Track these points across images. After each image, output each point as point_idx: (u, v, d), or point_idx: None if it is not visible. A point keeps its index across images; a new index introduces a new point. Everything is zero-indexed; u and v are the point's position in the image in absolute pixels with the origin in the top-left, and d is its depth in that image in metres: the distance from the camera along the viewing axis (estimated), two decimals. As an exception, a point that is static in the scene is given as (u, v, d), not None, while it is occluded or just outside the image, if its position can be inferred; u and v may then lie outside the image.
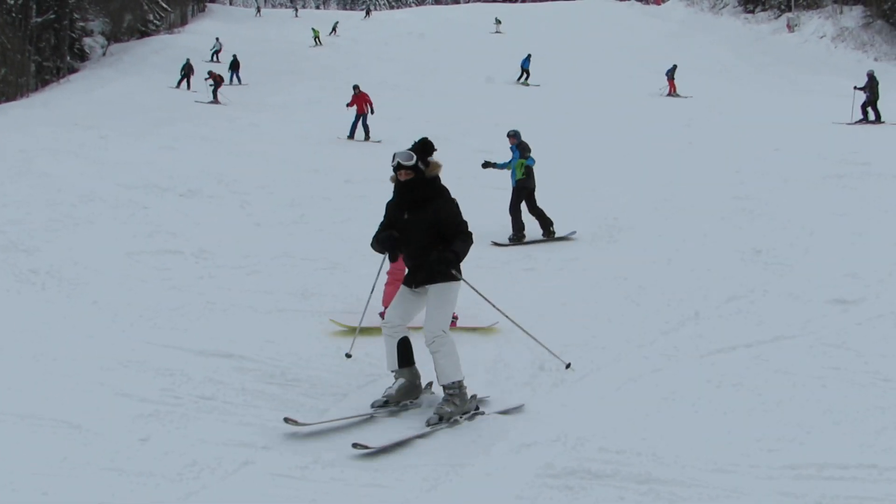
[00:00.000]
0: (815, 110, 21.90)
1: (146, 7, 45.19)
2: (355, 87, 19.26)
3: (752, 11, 46.93)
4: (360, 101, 18.81)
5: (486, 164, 10.69)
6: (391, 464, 4.11)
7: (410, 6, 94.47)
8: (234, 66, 30.04)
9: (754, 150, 15.43)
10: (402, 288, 4.91)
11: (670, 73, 29.12)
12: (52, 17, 36.02)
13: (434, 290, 4.76)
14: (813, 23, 41.43)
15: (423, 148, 4.82)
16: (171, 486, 3.76)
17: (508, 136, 10.52)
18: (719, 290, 7.55)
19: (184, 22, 51.90)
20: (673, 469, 4.03)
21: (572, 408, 4.97)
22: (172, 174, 13.05)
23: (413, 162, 4.71)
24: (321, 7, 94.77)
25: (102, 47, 39.40)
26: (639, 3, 57.05)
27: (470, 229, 4.78)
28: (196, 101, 24.62)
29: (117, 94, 25.34)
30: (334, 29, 45.56)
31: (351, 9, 72.97)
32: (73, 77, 33.41)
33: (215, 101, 24.74)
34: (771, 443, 4.36)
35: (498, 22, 47.76)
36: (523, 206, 10.10)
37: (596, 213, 11.04)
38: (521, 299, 7.14)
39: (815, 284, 7.51)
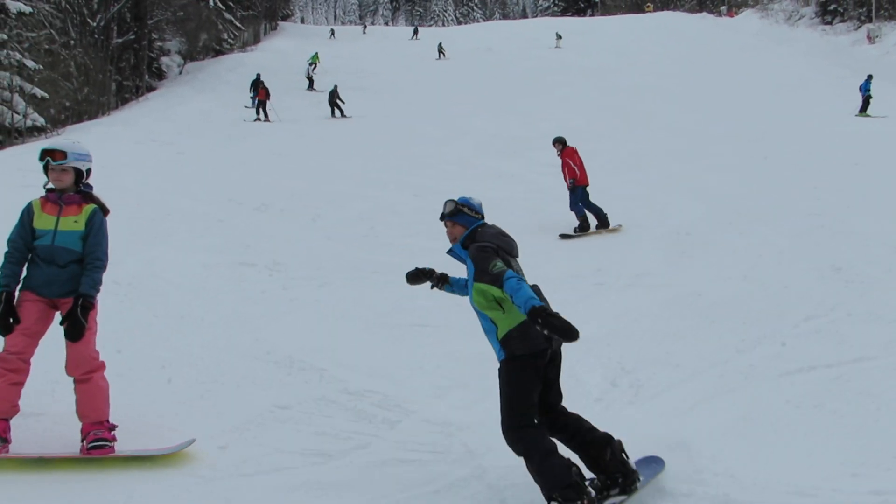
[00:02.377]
0: (897, 123, 21.23)
1: (221, 27, 46.48)
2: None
3: (830, 23, 45.72)
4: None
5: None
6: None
7: (478, 21, 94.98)
8: (256, 87, 27.05)
9: (833, 164, 15.02)
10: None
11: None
12: (132, 37, 37.39)
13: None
14: (895, 34, 40.17)
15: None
16: (248, 493, 3.84)
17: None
18: (797, 308, 7.35)
19: (257, 40, 53.18)
20: (751, 491, 3.94)
21: (646, 425, 4.89)
22: (245, 189, 13.38)
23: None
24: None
25: (179, 66, 40.67)
26: (711, 16, 56.23)
27: None
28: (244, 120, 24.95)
29: (193, 112, 26.13)
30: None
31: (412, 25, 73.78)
32: (151, 95, 34.58)
33: (260, 118, 25.04)
34: (854, 467, 4.21)
35: (558, 37, 47.60)
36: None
37: (668, 227, 10.90)
38: (591, 314, 7.09)
39: (898, 303, 7.26)
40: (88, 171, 4.51)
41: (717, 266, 9.01)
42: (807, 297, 7.67)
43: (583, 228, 11.27)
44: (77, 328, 4.23)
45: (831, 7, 46.22)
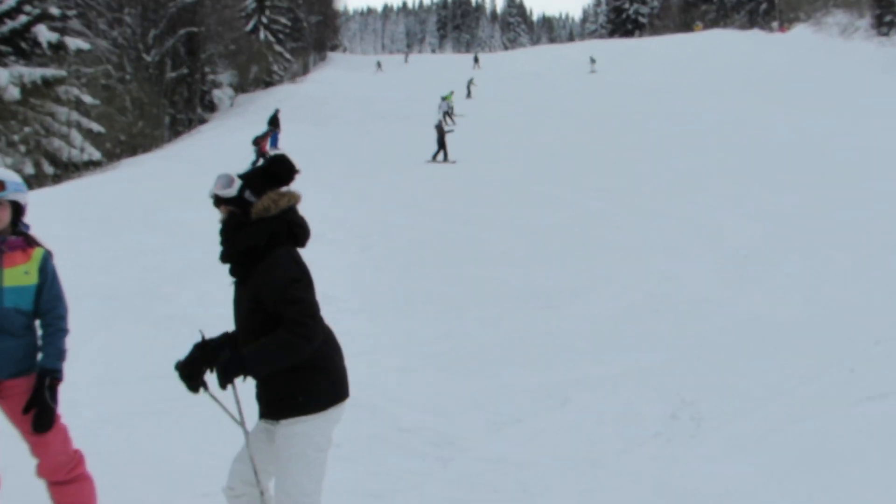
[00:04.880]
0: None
1: (271, 59, 47.43)
2: None
3: (887, 34, 44.73)
4: None
5: None
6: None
7: (524, 46, 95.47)
8: (274, 122, 26.36)
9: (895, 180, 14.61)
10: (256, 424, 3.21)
11: None
12: (186, 71, 38.36)
13: (280, 432, 3.05)
14: (956, 42, 39.18)
15: (267, 172, 3.11)
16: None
17: None
18: (865, 331, 7.08)
19: (306, 71, 54.21)
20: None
21: (711, 460, 4.71)
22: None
23: (233, 192, 3.05)
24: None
25: (230, 98, 41.60)
26: (763, 32, 55.53)
27: (310, 313, 2.96)
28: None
29: (244, 143, 26.55)
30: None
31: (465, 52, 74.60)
32: (203, 128, 35.38)
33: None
34: (938, 502, 4.00)
35: (593, 61, 47.37)
36: None
37: (724, 249, 10.66)
38: (647, 343, 6.92)
39: (975, 326, 6.95)
40: (26, 205, 3.48)
41: (778, 289, 8.76)
42: (875, 318, 7.40)
43: None
44: (47, 415, 3.31)
45: (887, 18, 45.24)
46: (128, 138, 31.63)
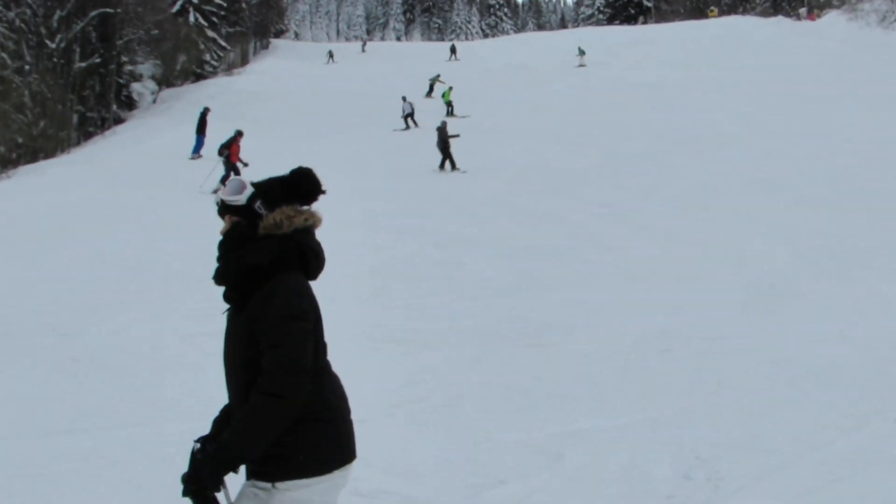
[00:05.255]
0: None
1: (202, 46, 47.35)
2: None
3: (934, 23, 45.85)
4: None
5: None
6: None
7: (508, 33, 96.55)
8: (201, 125, 26.03)
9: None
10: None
11: None
12: (98, 61, 38.16)
13: (276, 498, 2.95)
14: None
15: (287, 183, 3.10)
16: None
17: None
18: (913, 375, 7.20)
19: (244, 62, 54.26)
20: None
21: (730, 530, 4.75)
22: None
23: (242, 199, 3.04)
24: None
25: (153, 94, 41.49)
26: (788, 20, 56.53)
27: (300, 365, 2.90)
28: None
29: (169, 147, 26.47)
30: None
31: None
32: (119, 128, 35.20)
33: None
34: None
35: (581, 53, 47.94)
36: None
37: (747, 277, 10.78)
38: (657, 389, 6.96)
39: None
40: None
41: (810, 324, 8.86)
42: (924, 360, 7.51)
43: None
44: None
45: (935, 5, 46.34)
46: (27, 140, 31.38)
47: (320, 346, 3.13)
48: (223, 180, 22.37)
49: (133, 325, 9.14)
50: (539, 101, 34.70)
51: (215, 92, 39.16)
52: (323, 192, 3.12)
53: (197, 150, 25.32)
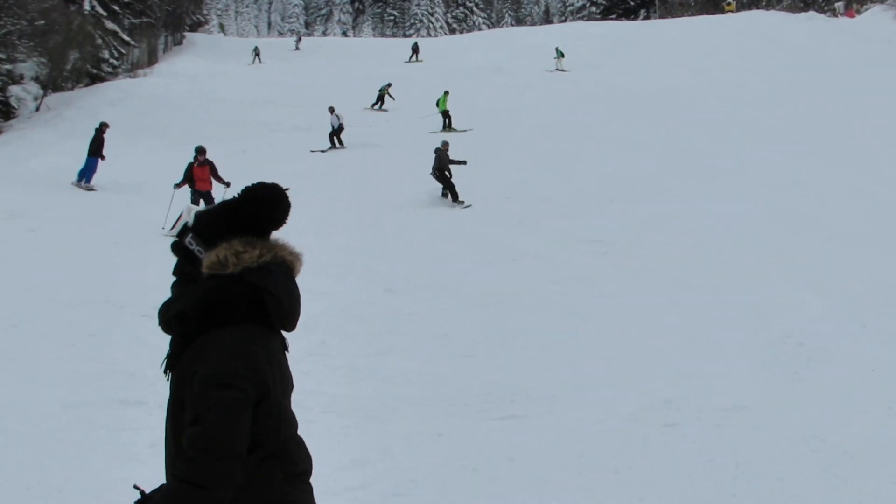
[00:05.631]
0: None
1: (100, 41, 47.17)
2: None
3: None
4: None
5: None
6: None
7: (480, 29, 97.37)
8: (96, 144, 24.82)
9: None
10: None
11: None
12: (-35, 59, 37.93)
13: None
14: None
15: (231, 209, 3.06)
16: None
17: None
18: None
19: (152, 61, 54.12)
20: None
21: None
22: (131, 285, 13.28)
23: (174, 234, 3.30)
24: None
25: (36, 99, 41.14)
26: (822, 16, 57.41)
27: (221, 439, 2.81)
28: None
29: (56, 167, 26.25)
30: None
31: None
32: (-9, 143, 34.89)
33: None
34: None
35: (560, 55, 48.34)
36: None
37: (772, 334, 10.84)
38: (657, 471, 6.96)
39: None
40: None
41: (849, 392, 8.91)
42: None
43: None
44: None
45: None
46: None
47: (281, 420, 3.05)
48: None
49: (3, 393, 9.01)
50: (517, 112, 34.85)
51: (116, 97, 39.03)
52: (286, 213, 3.08)
53: (85, 176, 24.30)
